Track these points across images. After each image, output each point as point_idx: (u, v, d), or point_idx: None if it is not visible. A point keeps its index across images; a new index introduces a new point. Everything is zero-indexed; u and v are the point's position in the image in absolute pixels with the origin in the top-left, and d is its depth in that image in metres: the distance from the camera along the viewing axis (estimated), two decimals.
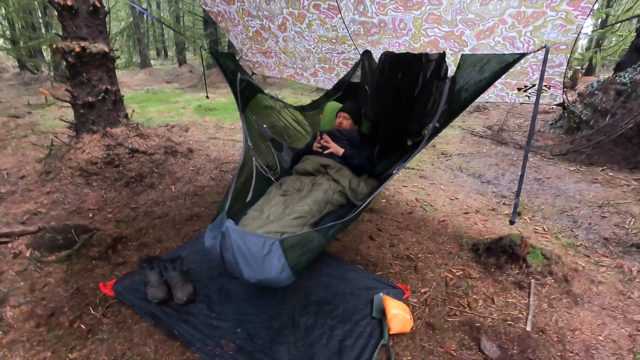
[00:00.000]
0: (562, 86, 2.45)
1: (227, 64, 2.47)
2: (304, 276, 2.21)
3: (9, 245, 2.37)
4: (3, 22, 10.74)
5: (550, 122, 6.28)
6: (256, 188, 2.34)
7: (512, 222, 1.81)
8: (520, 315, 2.02)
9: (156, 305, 1.92)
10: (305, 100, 8.69)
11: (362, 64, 2.80)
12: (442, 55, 1.95)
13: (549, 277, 2.31)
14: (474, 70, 1.58)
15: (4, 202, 3.03)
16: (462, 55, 1.58)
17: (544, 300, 2.14)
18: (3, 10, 9.12)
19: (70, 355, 1.66)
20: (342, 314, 1.94)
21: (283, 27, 2.93)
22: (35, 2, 8.92)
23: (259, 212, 2.00)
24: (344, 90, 3.10)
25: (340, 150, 2.50)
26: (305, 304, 2.00)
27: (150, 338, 1.77)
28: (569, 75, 10.17)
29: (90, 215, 2.89)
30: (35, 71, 10.00)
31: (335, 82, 3.45)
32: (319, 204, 2.03)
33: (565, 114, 5.84)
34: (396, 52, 2.34)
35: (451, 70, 1.78)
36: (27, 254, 2.30)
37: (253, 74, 3.97)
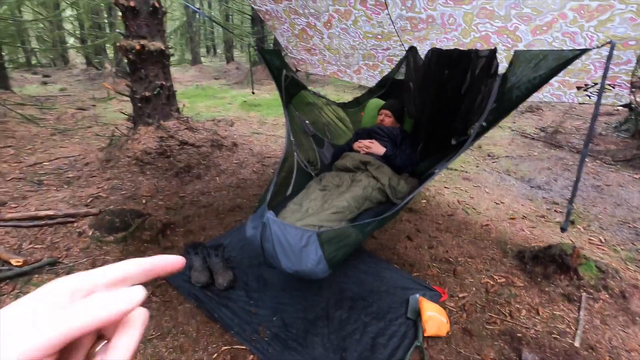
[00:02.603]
0: (629, 85, 2.24)
1: (273, 60, 2.55)
2: (339, 272, 2.23)
3: (75, 224, 2.63)
4: (74, 23, 11.80)
5: (614, 125, 5.75)
6: (296, 182, 2.37)
7: (563, 229, 1.71)
8: (568, 329, 1.90)
9: (199, 289, 2.05)
10: (347, 97, 8.66)
11: (407, 60, 2.75)
12: (493, 52, 1.86)
13: (603, 292, 2.14)
14: (527, 67, 1.50)
15: (72, 186, 3.35)
16: (516, 51, 1.50)
17: (596, 316, 1.99)
18: (74, 12, 10.01)
19: None
20: (376, 312, 1.94)
21: (329, 24, 2.95)
22: (102, 4, 9.70)
23: (299, 206, 2.04)
24: (387, 88, 3.06)
25: (381, 150, 2.45)
26: (339, 299, 2.02)
27: (193, 319, 1.89)
28: (638, 73, 9.21)
29: (144, 201, 3.12)
30: (100, 67, 10.90)
31: (379, 79, 3.42)
32: (358, 200, 2.03)
33: (632, 117, 5.32)
34: (444, 47, 2.27)
35: (502, 67, 1.70)
36: (90, 234, 2.53)
37: (297, 71, 4.04)
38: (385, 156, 2.42)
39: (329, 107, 3.14)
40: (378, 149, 2.46)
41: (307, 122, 2.88)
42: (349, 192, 2.09)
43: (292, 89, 2.70)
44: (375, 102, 3.00)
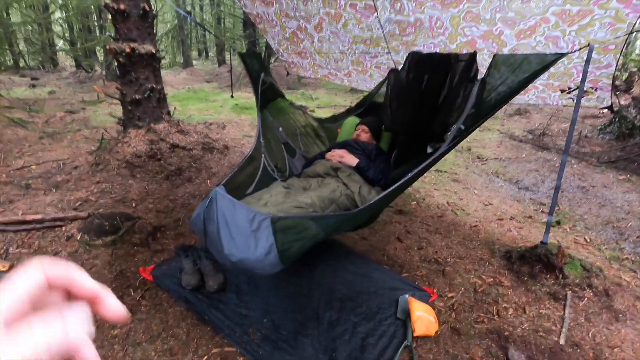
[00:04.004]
0: (610, 88, 2.31)
1: (253, 63, 2.55)
2: (328, 273, 2.25)
3: (63, 228, 2.61)
4: (63, 25, 11.68)
5: (599, 127, 5.89)
6: (259, 183, 2.26)
7: (543, 243, 1.73)
8: (553, 327, 1.94)
9: (189, 291, 2.04)
10: (339, 100, 8.71)
11: (387, 82, 2.73)
12: (473, 55, 1.88)
13: (587, 290, 2.19)
14: (507, 71, 1.54)
15: (60, 189, 3.32)
16: (495, 55, 1.53)
17: (580, 313, 2.04)
18: (63, 14, 9.93)
19: (112, 331, 1.80)
20: (366, 312, 1.96)
21: (319, 27, 2.98)
22: (92, 6, 9.63)
23: (256, 199, 1.91)
24: (366, 108, 3.06)
25: (354, 161, 2.36)
26: (329, 300, 2.03)
27: (183, 321, 1.88)
28: (623, 77, 9.44)
29: (134, 204, 3.10)
30: (90, 70, 10.79)
31: (369, 82, 3.46)
32: (323, 200, 1.89)
33: (617, 119, 5.45)
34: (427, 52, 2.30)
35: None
36: (78, 238, 2.51)
37: (288, 73, 4.07)
38: (357, 167, 2.33)
39: (306, 118, 3.10)
40: (351, 159, 2.37)
41: (280, 128, 2.82)
42: (315, 191, 1.98)
43: (269, 94, 2.68)
44: (353, 120, 2.98)
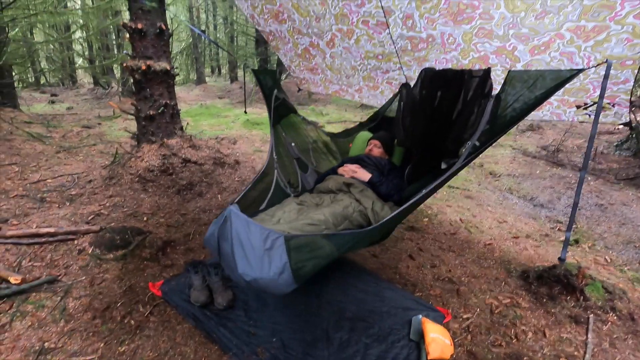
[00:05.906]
0: (628, 104, 2.26)
1: (265, 80, 2.58)
2: (338, 291, 2.20)
3: (75, 242, 2.62)
4: (83, 44, 12.16)
5: (615, 144, 5.76)
6: (272, 199, 2.26)
7: (561, 260, 1.66)
8: (576, 353, 1.84)
9: (198, 308, 2.01)
10: (349, 116, 8.76)
11: (399, 96, 2.67)
12: (487, 72, 1.87)
13: (611, 314, 2.09)
14: (523, 88, 1.51)
15: (74, 203, 3.36)
16: (510, 71, 1.52)
17: (604, 338, 1.93)
18: (84, 33, 10.33)
19: (119, 348, 1.78)
20: (378, 333, 1.89)
21: (331, 44, 3.02)
22: (111, 26, 10.01)
23: (270, 216, 1.90)
24: (378, 122, 3.06)
25: (367, 176, 2.33)
26: (339, 319, 1.98)
27: (191, 339, 1.85)
28: (639, 93, 9.27)
29: (145, 218, 3.11)
30: (107, 87, 11.12)
31: (380, 98, 3.47)
32: (336, 217, 1.86)
33: (634, 135, 5.33)
34: (443, 68, 2.30)
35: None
36: (89, 251, 2.52)
37: (300, 90, 4.11)
38: (370, 182, 2.30)
39: (318, 134, 3.10)
40: (364, 174, 2.35)
41: (292, 144, 2.83)
42: (328, 208, 1.95)
43: (282, 110, 2.71)
44: (365, 135, 2.98)
